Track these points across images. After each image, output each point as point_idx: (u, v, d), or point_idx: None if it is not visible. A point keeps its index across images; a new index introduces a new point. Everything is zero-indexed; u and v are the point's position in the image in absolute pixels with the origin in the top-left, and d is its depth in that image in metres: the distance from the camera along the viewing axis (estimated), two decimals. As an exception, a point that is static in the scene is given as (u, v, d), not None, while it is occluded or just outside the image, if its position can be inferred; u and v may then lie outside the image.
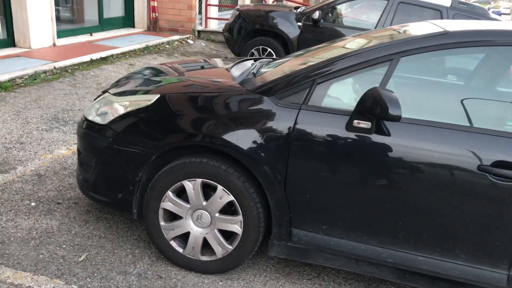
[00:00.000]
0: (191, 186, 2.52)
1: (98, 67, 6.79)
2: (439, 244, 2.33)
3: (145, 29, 10.21)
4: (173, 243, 2.66)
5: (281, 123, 2.37)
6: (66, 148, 4.08)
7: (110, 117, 2.65)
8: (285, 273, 2.77)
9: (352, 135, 2.29)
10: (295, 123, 2.35)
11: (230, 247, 2.58)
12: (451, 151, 2.20)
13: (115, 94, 2.76)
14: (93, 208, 3.19)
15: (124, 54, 7.71)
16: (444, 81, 2.59)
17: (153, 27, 10.21)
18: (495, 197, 2.19)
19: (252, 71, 2.91)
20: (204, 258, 2.64)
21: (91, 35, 8.79)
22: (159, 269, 2.66)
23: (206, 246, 2.63)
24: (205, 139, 2.42)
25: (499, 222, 2.22)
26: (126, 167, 2.59)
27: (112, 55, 7.38)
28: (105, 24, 9.42)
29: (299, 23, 7.30)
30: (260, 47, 7.52)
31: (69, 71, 6.35)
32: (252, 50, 7.56)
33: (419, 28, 2.66)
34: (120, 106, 2.65)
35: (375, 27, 7.09)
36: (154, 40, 8.97)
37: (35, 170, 3.62)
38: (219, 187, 2.49)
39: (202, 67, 3.08)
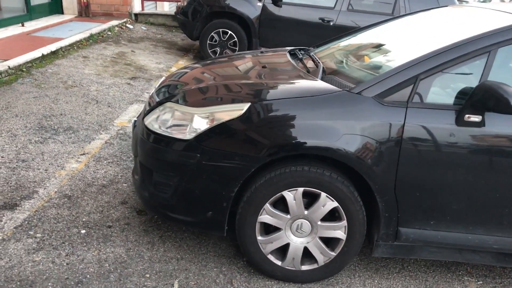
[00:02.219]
0: (292, 196, 2.40)
1: (52, 63, 6.16)
2: (541, 225, 2.45)
3: (76, 15, 9.41)
4: (271, 257, 2.54)
5: (390, 123, 2.31)
6: (75, 161, 3.69)
7: (192, 131, 2.41)
8: (375, 270, 2.77)
9: (463, 129, 2.30)
10: (405, 121, 2.31)
11: (333, 254, 2.51)
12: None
13: (188, 105, 2.50)
14: (149, 227, 2.93)
15: (71, 45, 7.06)
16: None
17: (85, 12, 9.45)
18: None
19: (321, 66, 2.77)
20: (305, 267, 2.55)
21: (23, 25, 7.94)
22: (259, 285, 2.53)
23: (304, 255, 2.54)
24: (312, 147, 2.29)
25: None
26: (219, 183, 2.40)
27: (61, 48, 6.73)
28: (33, 12, 8.53)
29: (259, 3, 7.14)
30: (220, 30, 7.26)
31: (24, 69, 5.70)
32: (212, 34, 7.28)
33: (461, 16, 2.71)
34: (202, 119, 2.42)
35: (334, 5, 7.14)
36: (94, 27, 8.31)
37: (59, 191, 3.23)
38: (323, 195, 2.39)
39: (264, 66, 2.89)
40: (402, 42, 3.10)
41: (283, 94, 2.42)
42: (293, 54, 3.33)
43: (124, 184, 3.42)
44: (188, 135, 2.42)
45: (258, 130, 2.33)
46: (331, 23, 7.07)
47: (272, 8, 7.14)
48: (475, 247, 2.49)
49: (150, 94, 3.05)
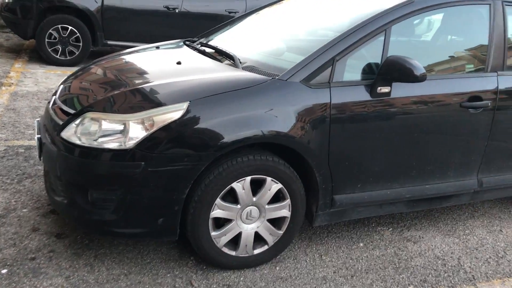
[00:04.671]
0: (241, 186, 2.47)
1: None
2: (438, 171, 2.94)
3: None
4: (225, 249, 2.58)
5: (319, 103, 2.52)
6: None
7: (130, 139, 2.28)
8: (308, 239, 3.03)
9: (376, 100, 2.62)
10: (331, 100, 2.53)
11: (280, 232, 2.67)
12: (443, 96, 2.78)
13: (118, 112, 2.36)
14: (78, 250, 2.70)
15: None
16: (422, 39, 3.12)
17: None
18: (471, 126, 2.89)
19: (236, 57, 2.81)
20: (257, 251, 2.65)
21: None
22: (217, 279, 2.56)
23: (254, 239, 2.64)
24: (260, 136, 2.38)
25: (473, 142, 2.94)
26: (169, 187, 2.34)
27: None
28: None
29: (100, -6, 6.75)
30: (59, 26, 6.68)
31: None
32: (50, 31, 6.66)
33: None
34: (138, 124, 2.31)
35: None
36: None
37: None
38: (268, 179, 2.51)
39: (179, 63, 2.82)
40: (292, 27, 3.32)
41: (219, 88, 2.43)
42: (190, 46, 3.31)
43: (24, 210, 3.06)
44: (126, 144, 2.29)
45: (202, 127, 2.32)
46: (177, 10, 7.06)
47: (112, -2, 6.82)
48: (393, 199, 2.89)
49: (52, 103, 2.78)
